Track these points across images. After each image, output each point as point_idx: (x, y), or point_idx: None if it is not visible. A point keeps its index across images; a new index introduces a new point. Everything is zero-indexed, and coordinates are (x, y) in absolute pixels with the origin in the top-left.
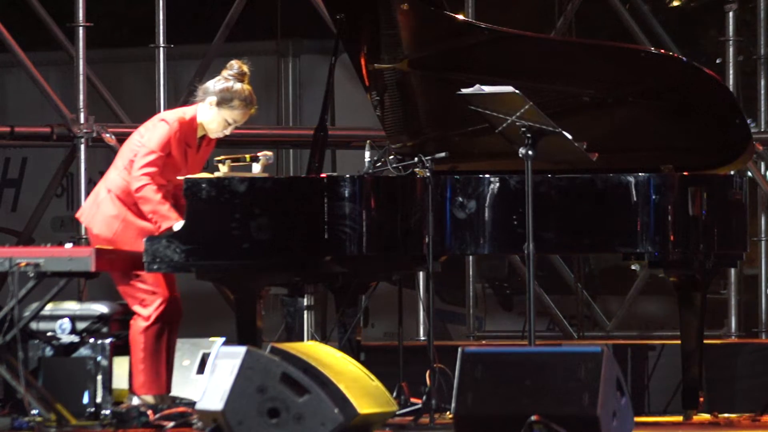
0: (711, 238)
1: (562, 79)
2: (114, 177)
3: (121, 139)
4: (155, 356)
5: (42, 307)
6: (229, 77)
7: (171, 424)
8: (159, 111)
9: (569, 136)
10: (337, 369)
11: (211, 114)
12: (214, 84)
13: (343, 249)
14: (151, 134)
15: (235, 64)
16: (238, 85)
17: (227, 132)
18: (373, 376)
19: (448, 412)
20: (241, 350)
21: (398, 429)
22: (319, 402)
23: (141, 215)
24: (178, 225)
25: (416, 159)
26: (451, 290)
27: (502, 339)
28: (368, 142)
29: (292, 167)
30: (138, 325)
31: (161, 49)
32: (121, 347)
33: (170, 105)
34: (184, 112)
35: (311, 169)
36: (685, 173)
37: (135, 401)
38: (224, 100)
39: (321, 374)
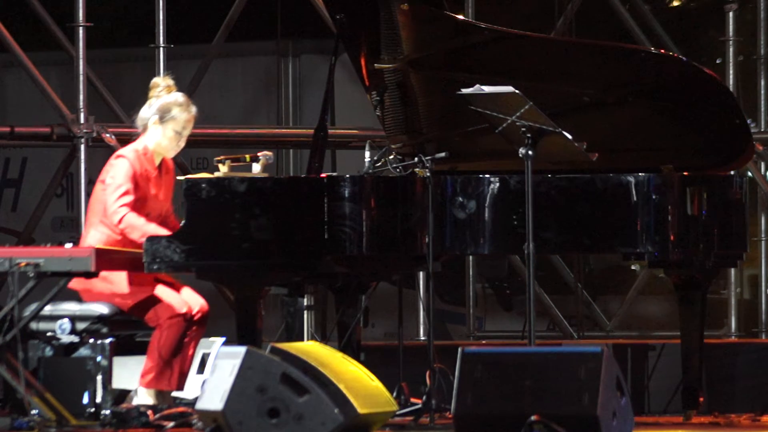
0: (711, 238)
1: (562, 79)
2: (93, 234)
3: (121, 139)
4: (172, 355)
5: (42, 307)
6: (159, 95)
7: (171, 424)
8: None
9: (569, 136)
10: (337, 369)
11: (158, 133)
12: (149, 108)
13: (343, 249)
14: (115, 171)
15: (159, 81)
16: (171, 97)
17: (182, 144)
18: (373, 376)
19: (448, 412)
20: (241, 350)
21: (398, 429)
22: (319, 402)
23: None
24: None
25: (416, 159)
26: (451, 290)
27: (502, 339)
28: (368, 142)
29: (292, 167)
30: (160, 329)
31: (161, 49)
32: (121, 347)
33: None
34: (135, 145)
35: (311, 169)
36: (685, 173)
37: (135, 401)
38: (164, 113)
39: (321, 374)
